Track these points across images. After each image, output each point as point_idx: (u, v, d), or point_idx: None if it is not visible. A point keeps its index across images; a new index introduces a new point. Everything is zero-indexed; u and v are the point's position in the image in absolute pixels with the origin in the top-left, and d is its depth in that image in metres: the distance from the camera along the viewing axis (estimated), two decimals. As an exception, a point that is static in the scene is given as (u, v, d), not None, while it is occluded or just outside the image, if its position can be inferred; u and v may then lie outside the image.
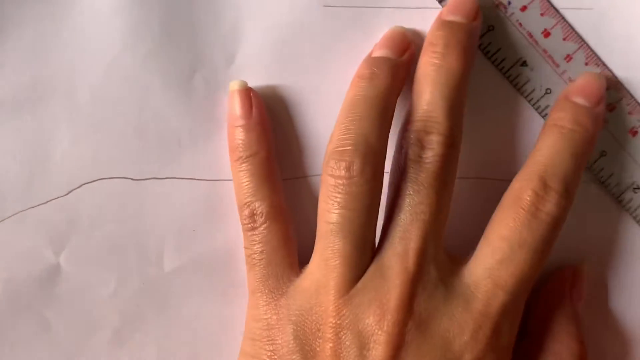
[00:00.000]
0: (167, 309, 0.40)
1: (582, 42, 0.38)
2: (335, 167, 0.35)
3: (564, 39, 0.39)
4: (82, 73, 0.39)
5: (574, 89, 0.38)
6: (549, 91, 0.39)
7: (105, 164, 0.39)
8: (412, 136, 0.36)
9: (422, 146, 0.35)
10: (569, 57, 0.39)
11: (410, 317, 0.35)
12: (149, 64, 0.39)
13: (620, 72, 0.39)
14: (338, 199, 0.35)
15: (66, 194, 0.39)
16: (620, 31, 0.39)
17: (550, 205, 0.35)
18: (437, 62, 0.36)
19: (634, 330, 0.40)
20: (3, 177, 0.39)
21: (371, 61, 0.37)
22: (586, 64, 0.39)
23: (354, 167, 0.35)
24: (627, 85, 0.39)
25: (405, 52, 0.38)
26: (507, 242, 0.35)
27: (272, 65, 0.39)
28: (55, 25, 0.39)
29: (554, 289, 0.39)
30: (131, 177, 0.39)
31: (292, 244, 0.38)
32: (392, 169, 0.37)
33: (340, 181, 0.35)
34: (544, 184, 0.35)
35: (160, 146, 0.39)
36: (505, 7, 0.38)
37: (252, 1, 0.39)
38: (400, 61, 0.37)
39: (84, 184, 0.39)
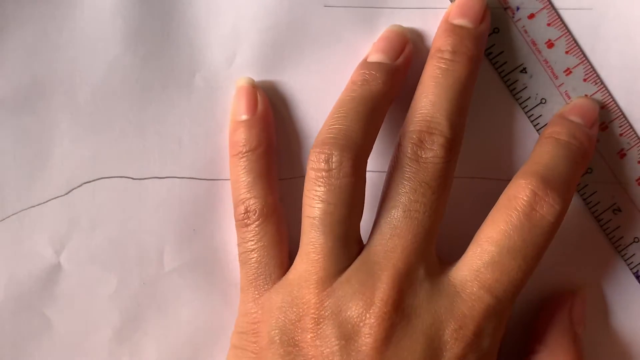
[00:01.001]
0: (167, 308, 0.40)
1: (583, 58, 0.39)
2: (315, 160, 0.35)
3: (567, 52, 0.39)
4: (83, 72, 0.39)
5: (570, 109, 0.38)
6: (543, 101, 0.39)
7: (105, 164, 0.39)
8: (413, 136, 0.36)
9: (422, 146, 0.35)
10: (568, 71, 0.39)
11: (394, 312, 0.35)
12: (149, 63, 0.39)
13: (617, 73, 0.39)
14: (318, 193, 0.35)
15: (66, 194, 0.39)
16: (620, 31, 0.39)
17: (547, 207, 0.35)
18: (444, 67, 0.36)
19: (635, 349, 0.41)
20: (3, 177, 0.39)
21: (365, 67, 0.37)
22: (584, 80, 0.39)
23: (333, 160, 0.35)
24: (623, 87, 0.39)
25: (401, 53, 0.38)
26: (496, 245, 0.35)
27: (272, 66, 0.39)
28: (56, 24, 0.39)
29: (554, 312, 0.39)
30: (131, 176, 0.40)
31: (284, 242, 0.38)
32: (389, 165, 0.37)
33: (319, 174, 0.35)
34: (545, 184, 0.35)
35: (161, 146, 0.39)
36: (513, 12, 0.38)
37: (252, 1, 0.39)
38: (395, 66, 0.37)
39: (84, 183, 0.39)
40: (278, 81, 0.39)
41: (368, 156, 0.36)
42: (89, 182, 0.39)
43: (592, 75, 0.39)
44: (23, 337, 0.39)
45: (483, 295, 0.35)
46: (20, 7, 0.38)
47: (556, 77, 0.39)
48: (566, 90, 0.39)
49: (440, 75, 0.36)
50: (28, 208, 0.39)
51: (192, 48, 0.39)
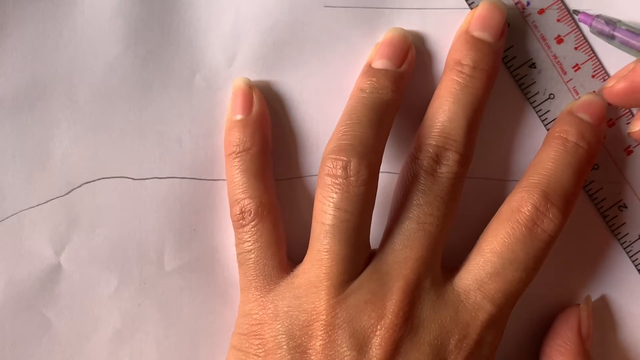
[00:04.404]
0: (168, 308, 0.40)
1: (592, 54, 0.39)
2: (332, 167, 0.35)
3: (575, 48, 0.39)
4: (83, 72, 0.39)
5: (579, 105, 0.38)
6: (552, 96, 0.39)
7: (105, 164, 0.39)
8: (430, 149, 0.36)
9: (438, 161, 0.36)
10: (577, 67, 0.39)
11: (404, 324, 0.35)
12: (149, 63, 0.39)
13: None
14: (334, 199, 0.35)
15: (67, 194, 0.39)
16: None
17: (548, 222, 0.35)
18: (462, 82, 0.37)
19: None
20: (3, 177, 0.39)
21: (372, 74, 0.37)
22: (593, 76, 0.39)
23: (351, 167, 0.35)
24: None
25: (405, 59, 0.38)
26: (499, 256, 0.36)
27: (272, 66, 0.39)
28: (56, 24, 0.39)
29: (563, 332, 0.39)
30: (132, 176, 0.40)
31: (282, 241, 0.38)
32: (402, 175, 0.37)
33: (336, 181, 0.35)
34: (546, 199, 0.35)
35: (161, 146, 0.39)
36: (523, 7, 0.38)
37: (252, 1, 0.39)
38: (400, 72, 0.38)
39: (85, 183, 0.39)
40: (278, 81, 0.39)
41: (381, 162, 0.36)
42: (89, 182, 0.39)
43: (601, 72, 0.39)
44: (23, 338, 0.39)
45: (486, 305, 0.35)
46: (21, 6, 0.38)
47: (565, 73, 0.39)
48: (574, 86, 0.39)
49: (459, 91, 0.36)
50: (28, 208, 0.39)
51: (192, 48, 0.39)
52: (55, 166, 0.39)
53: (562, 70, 0.39)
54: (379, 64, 0.38)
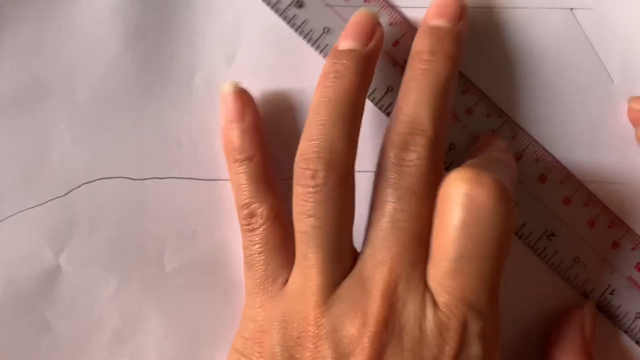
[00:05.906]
0: (168, 308, 0.40)
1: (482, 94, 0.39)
2: (301, 176, 0.35)
3: (463, 93, 0.39)
4: (82, 72, 0.39)
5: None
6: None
7: (105, 164, 0.39)
8: (396, 138, 0.35)
9: (406, 148, 0.35)
10: (470, 111, 0.39)
11: (385, 331, 0.34)
12: (149, 63, 0.39)
13: (618, 73, 0.39)
14: (307, 207, 0.34)
15: (66, 194, 0.39)
16: (620, 31, 0.39)
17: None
18: (423, 67, 0.36)
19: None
20: (2, 177, 0.39)
21: (336, 56, 0.36)
22: (488, 115, 0.39)
23: (319, 176, 0.34)
24: (625, 85, 0.39)
25: (372, 38, 0.37)
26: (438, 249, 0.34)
27: (272, 66, 0.39)
28: (54, 24, 0.39)
29: (566, 331, 0.39)
30: (131, 176, 0.39)
31: (291, 245, 0.37)
32: (375, 172, 0.36)
33: (306, 190, 0.34)
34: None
35: (160, 146, 0.39)
36: None
37: (252, 1, 0.39)
38: (366, 52, 0.36)
39: (84, 183, 0.39)
40: (277, 81, 0.39)
41: (354, 160, 0.35)
42: (89, 182, 0.39)
43: (495, 110, 0.39)
44: (22, 340, 0.39)
45: (458, 305, 0.34)
46: (19, 6, 0.38)
47: (459, 121, 0.39)
48: (472, 130, 0.39)
49: (420, 76, 0.36)
50: (27, 209, 0.39)
51: (192, 48, 0.39)
52: (54, 166, 0.39)
53: (456, 118, 0.39)
54: (344, 44, 0.37)
